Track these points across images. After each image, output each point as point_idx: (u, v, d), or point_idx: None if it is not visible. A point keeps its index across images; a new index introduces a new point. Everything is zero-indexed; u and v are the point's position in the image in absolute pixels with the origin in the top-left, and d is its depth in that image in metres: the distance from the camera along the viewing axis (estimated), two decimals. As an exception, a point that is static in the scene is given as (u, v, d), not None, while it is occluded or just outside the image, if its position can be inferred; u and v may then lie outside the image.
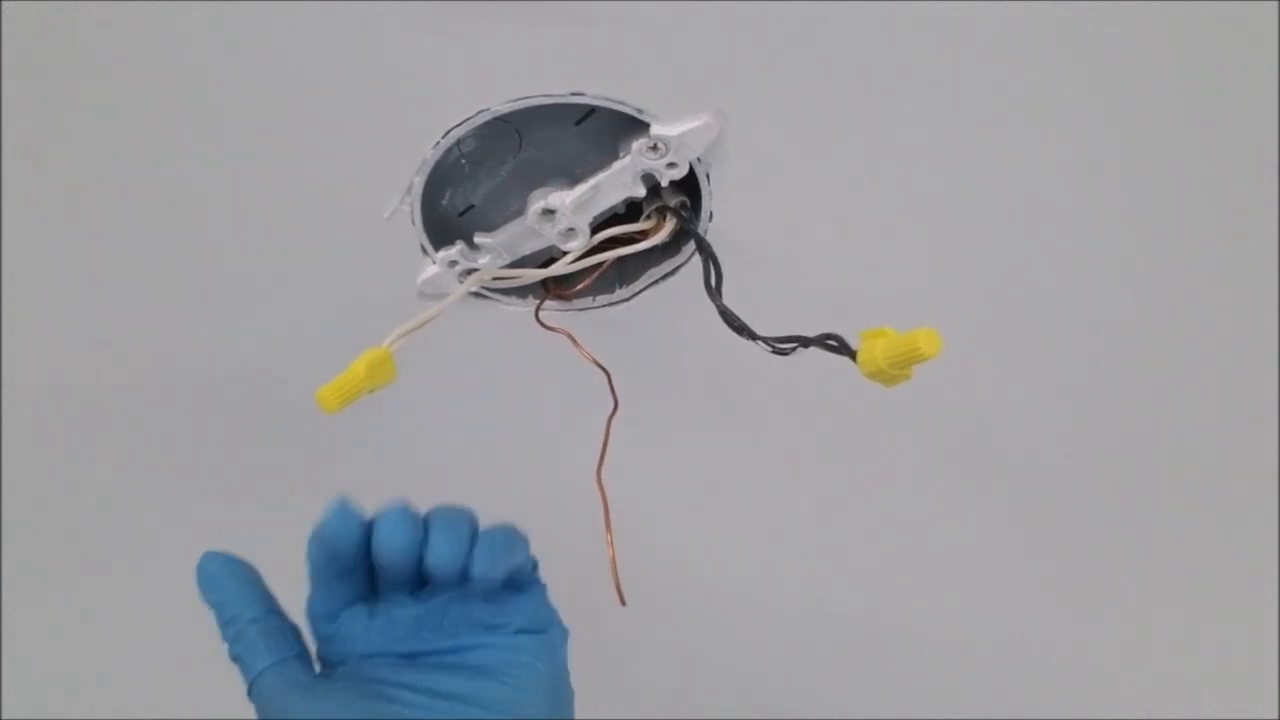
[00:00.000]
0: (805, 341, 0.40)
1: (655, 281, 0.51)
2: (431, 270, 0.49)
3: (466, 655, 0.43)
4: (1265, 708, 0.66)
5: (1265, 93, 0.42)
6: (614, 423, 0.48)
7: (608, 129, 0.46)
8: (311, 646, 0.44)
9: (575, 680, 0.44)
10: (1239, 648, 0.65)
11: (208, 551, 0.44)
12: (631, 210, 0.48)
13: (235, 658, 0.43)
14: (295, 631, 0.44)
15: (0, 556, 0.61)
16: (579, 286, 0.50)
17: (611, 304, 0.52)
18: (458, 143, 0.46)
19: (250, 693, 0.42)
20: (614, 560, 0.45)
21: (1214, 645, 0.65)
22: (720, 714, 0.72)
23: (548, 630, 0.44)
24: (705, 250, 0.45)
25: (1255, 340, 0.51)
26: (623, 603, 0.44)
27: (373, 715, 0.40)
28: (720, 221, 0.47)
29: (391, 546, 0.42)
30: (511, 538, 0.43)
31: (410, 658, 0.43)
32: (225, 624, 0.43)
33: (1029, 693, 0.69)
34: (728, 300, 0.43)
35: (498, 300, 0.51)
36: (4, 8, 0.41)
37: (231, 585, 0.43)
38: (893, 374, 0.36)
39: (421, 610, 0.44)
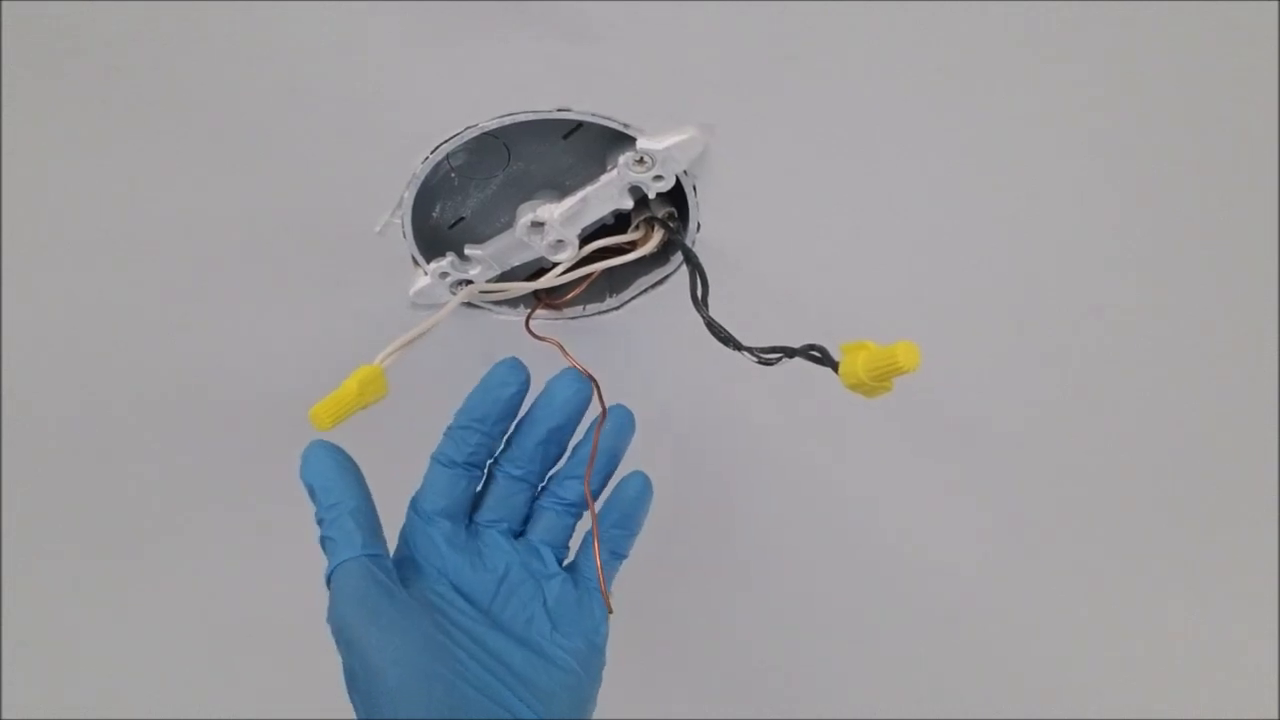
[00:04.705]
0: (790, 352, 0.41)
1: (645, 290, 0.52)
2: (423, 281, 0.49)
3: (534, 635, 0.45)
4: (1265, 708, 0.66)
5: (1265, 93, 0.43)
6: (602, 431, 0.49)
7: (595, 142, 0.47)
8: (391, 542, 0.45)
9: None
10: (1239, 647, 0.65)
11: (316, 440, 0.45)
12: (620, 221, 0.49)
13: (325, 539, 0.43)
14: (382, 534, 0.44)
15: (1, 556, 0.62)
16: (569, 296, 0.51)
17: (601, 312, 0.52)
18: (447, 157, 0.46)
19: (330, 577, 0.43)
20: (600, 569, 0.45)
21: (1214, 644, 0.66)
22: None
23: (600, 652, 0.46)
24: (692, 261, 0.46)
25: (1258, 336, 0.51)
26: (610, 610, 0.45)
27: (437, 662, 0.41)
28: (707, 232, 0.48)
29: (566, 397, 0.46)
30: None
31: (486, 611, 0.45)
32: (325, 508, 0.43)
33: (1029, 690, 0.70)
34: (714, 311, 0.44)
35: (489, 310, 0.52)
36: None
37: (335, 473, 0.44)
38: (873, 386, 0.37)
39: (512, 559, 0.46)
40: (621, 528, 0.47)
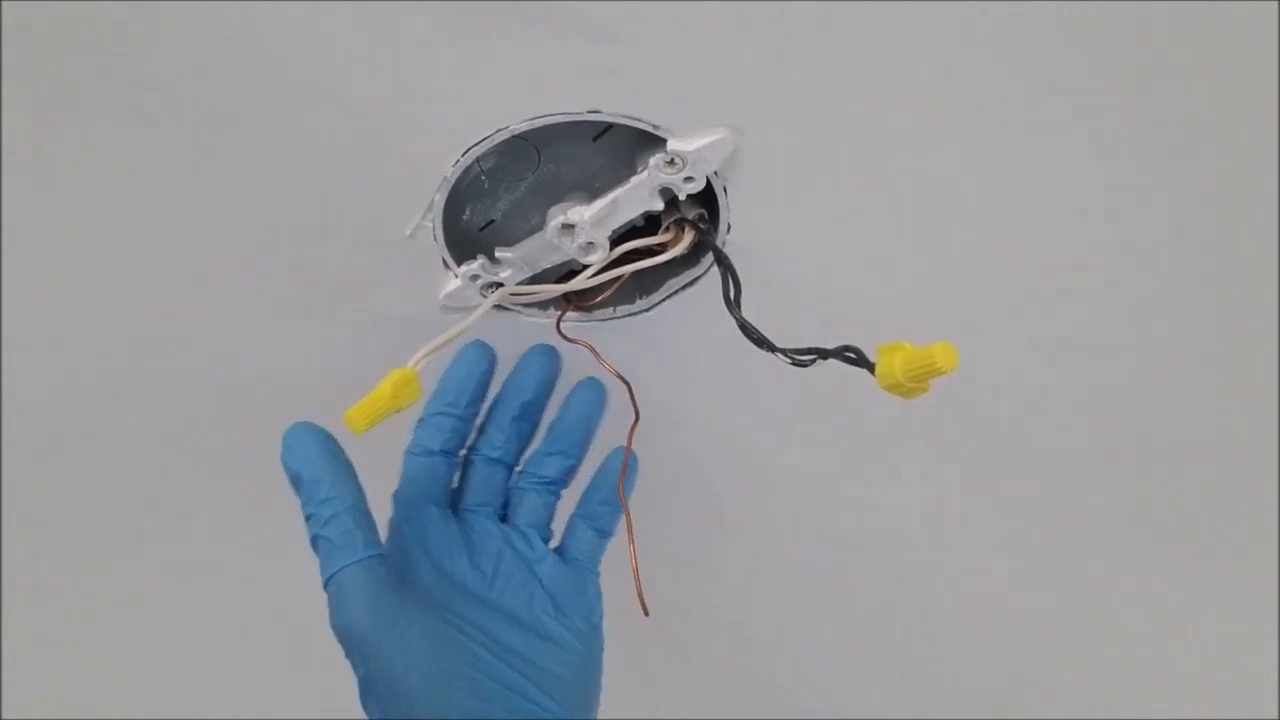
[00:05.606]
0: (824, 354, 0.40)
1: (675, 292, 0.51)
2: (454, 284, 0.49)
3: (536, 619, 0.45)
4: (1265, 708, 0.66)
5: (1265, 94, 0.42)
6: (637, 433, 0.48)
7: (625, 144, 0.47)
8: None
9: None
10: (1239, 647, 0.65)
11: (300, 422, 0.41)
12: (650, 222, 0.48)
13: (320, 539, 0.40)
14: (377, 529, 0.41)
15: (1, 556, 0.62)
16: (599, 298, 0.50)
17: (632, 314, 0.52)
18: (477, 160, 0.46)
19: (329, 582, 0.40)
20: (637, 572, 0.45)
21: (1214, 644, 0.65)
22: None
23: (598, 631, 0.46)
24: (724, 263, 0.45)
25: (1260, 339, 0.51)
26: (646, 613, 0.45)
27: (457, 660, 0.40)
28: (738, 234, 0.48)
29: (535, 370, 0.47)
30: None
31: (485, 600, 0.44)
32: (319, 503, 0.40)
33: (1029, 690, 0.69)
34: (747, 312, 0.44)
35: (519, 313, 0.52)
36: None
37: (325, 463, 0.40)
38: (911, 387, 0.37)
39: (503, 544, 0.46)
40: (609, 504, 0.47)
